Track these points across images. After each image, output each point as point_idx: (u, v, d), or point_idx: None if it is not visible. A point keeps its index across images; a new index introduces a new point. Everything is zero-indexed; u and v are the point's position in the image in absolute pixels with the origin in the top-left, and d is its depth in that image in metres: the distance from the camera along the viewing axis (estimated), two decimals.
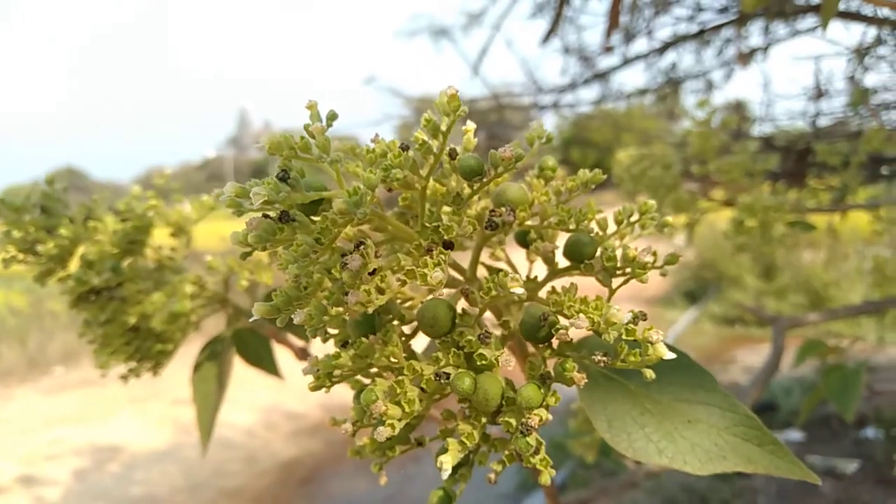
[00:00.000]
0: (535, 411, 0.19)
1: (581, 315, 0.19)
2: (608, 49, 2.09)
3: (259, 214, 0.21)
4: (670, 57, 2.58)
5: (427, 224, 0.20)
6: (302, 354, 0.43)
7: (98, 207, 0.40)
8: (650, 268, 0.20)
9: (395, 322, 0.20)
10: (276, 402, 3.57)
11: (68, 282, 0.39)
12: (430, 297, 0.20)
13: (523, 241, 0.23)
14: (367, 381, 0.23)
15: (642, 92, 2.74)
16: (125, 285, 0.37)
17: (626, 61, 2.40)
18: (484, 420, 0.20)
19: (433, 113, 0.20)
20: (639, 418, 0.26)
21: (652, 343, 0.19)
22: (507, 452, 0.21)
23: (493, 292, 0.20)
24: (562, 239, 0.25)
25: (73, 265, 0.43)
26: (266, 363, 0.44)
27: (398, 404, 0.19)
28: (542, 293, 0.21)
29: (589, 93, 2.58)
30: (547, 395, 0.19)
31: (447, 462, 0.19)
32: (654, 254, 0.20)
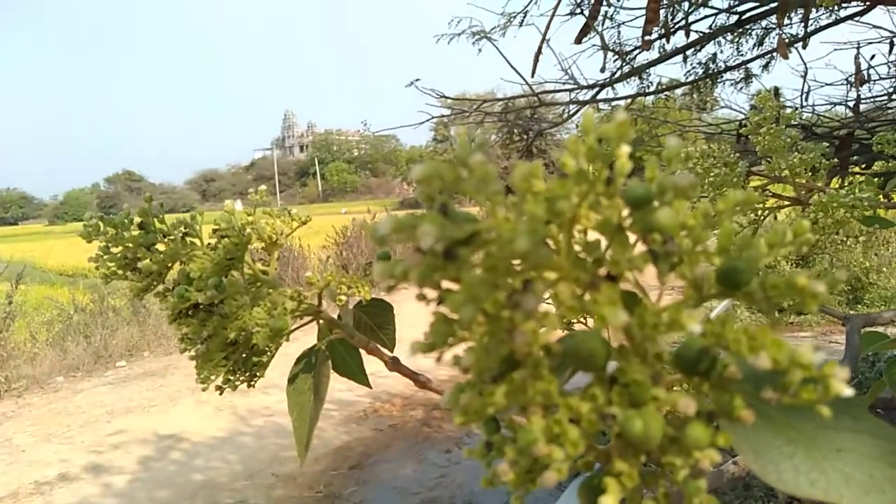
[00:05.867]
0: (705, 452, 0.18)
1: (763, 353, 0.17)
2: (647, 44, 2.04)
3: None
4: (708, 49, 2.50)
5: (583, 255, 0.19)
6: (393, 365, 0.42)
7: (195, 223, 0.41)
8: (821, 298, 0.19)
9: (543, 356, 0.20)
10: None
11: (169, 298, 0.39)
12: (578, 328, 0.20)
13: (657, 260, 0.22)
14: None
15: (680, 84, 2.67)
16: (226, 301, 0.38)
17: (665, 56, 2.34)
18: (642, 458, 0.19)
19: (585, 136, 0.19)
20: (785, 448, 0.24)
21: (831, 379, 0.18)
22: (661, 490, 0.20)
23: (662, 328, 0.19)
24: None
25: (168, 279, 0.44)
26: (357, 374, 0.44)
27: (560, 445, 0.18)
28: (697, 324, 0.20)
29: (627, 87, 2.54)
30: (716, 435, 0.18)
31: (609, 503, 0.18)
32: (831, 279, 0.18)
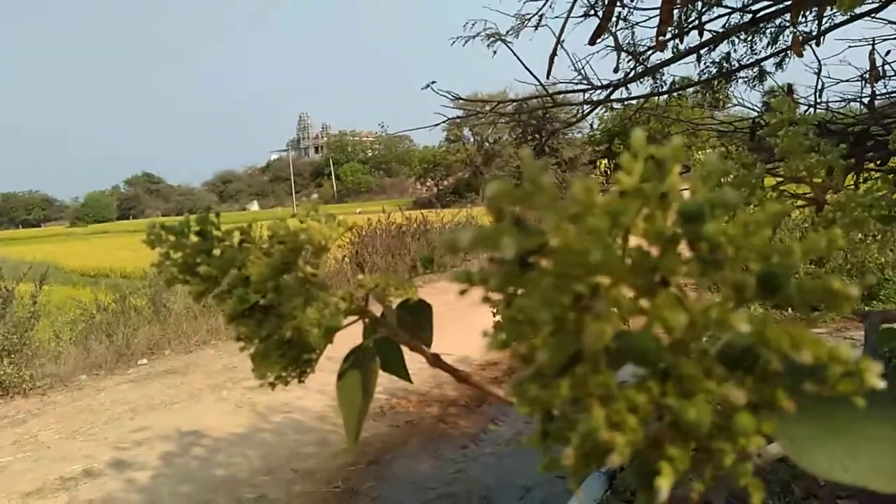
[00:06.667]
0: (752, 439, 0.20)
1: (805, 351, 0.20)
2: (660, 44, 2.04)
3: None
4: (722, 48, 2.49)
5: (640, 262, 0.21)
6: (434, 361, 0.45)
7: (251, 230, 0.43)
8: (853, 300, 0.21)
9: (602, 352, 0.22)
10: None
11: (228, 301, 0.42)
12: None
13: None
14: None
15: (693, 84, 2.66)
16: (283, 303, 0.40)
17: (678, 55, 2.34)
18: (692, 444, 0.21)
19: (637, 157, 0.21)
20: (819, 436, 0.26)
21: (867, 373, 0.20)
22: (709, 473, 0.22)
23: (711, 328, 0.21)
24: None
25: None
26: (399, 369, 0.47)
27: (621, 431, 0.20)
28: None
29: (640, 88, 2.54)
30: (761, 423, 0.21)
31: (665, 485, 0.21)
32: (863, 282, 0.20)
